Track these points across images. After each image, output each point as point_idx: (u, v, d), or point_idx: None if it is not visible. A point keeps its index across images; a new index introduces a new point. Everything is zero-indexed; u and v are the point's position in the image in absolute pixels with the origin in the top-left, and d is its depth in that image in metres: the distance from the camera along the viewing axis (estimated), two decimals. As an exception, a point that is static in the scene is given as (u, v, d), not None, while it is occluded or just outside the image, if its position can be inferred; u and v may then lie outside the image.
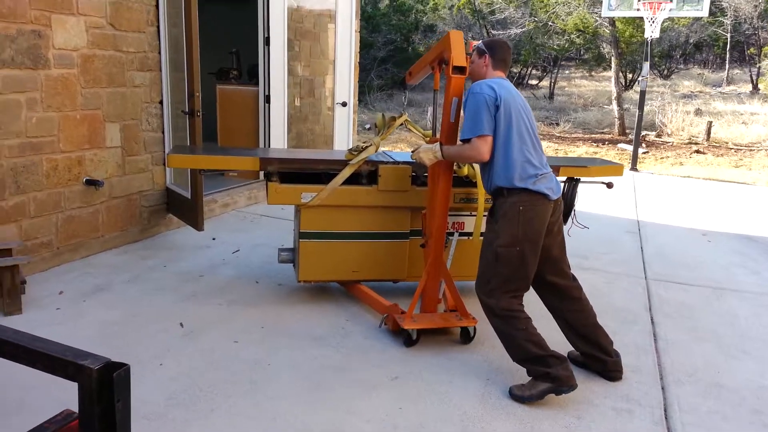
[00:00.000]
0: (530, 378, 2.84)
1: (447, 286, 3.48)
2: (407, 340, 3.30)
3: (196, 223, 4.62)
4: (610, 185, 3.92)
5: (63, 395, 2.56)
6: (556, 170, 3.78)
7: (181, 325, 3.44)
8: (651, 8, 9.26)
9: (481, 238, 3.29)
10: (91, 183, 4.41)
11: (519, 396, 2.76)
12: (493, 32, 19.79)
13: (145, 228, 5.02)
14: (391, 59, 19.58)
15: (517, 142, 2.83)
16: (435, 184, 3.31)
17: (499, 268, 2.84)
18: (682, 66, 29.76)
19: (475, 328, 3.38)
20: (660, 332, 3.67)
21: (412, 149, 3.44)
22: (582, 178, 3.92)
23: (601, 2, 13.76)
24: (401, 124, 3.91)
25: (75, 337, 3.21)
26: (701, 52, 30.85)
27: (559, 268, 3.03)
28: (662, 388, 2.99)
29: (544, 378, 2.76)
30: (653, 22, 9.39)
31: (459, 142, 3.03)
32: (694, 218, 6.79)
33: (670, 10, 9.29)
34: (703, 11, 9.36)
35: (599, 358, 3.03)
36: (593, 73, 27.55)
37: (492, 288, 2.86)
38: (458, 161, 3.35)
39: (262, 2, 6.28)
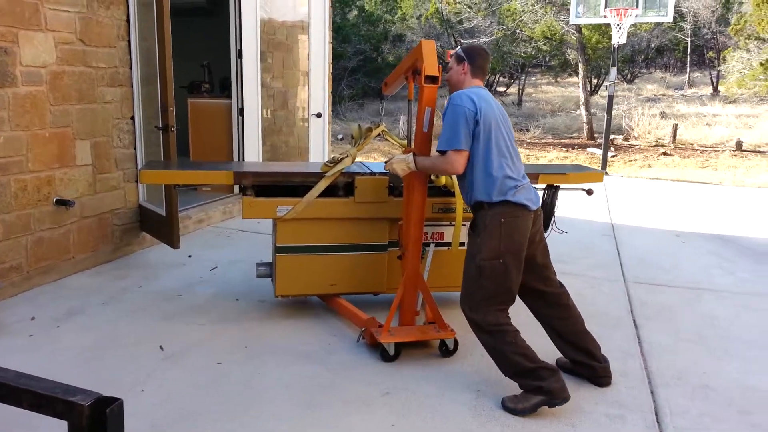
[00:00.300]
0: (522, 390, 2.81)
1: (424, 297, 3.40)
2: (384, 354, 3.22)
3: (172, 241, 4.51)
4: (590, 192, 3.95)
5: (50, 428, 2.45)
6: (536, 178, 3.77)
7: (161, 348, 3.33)
8: (618, 15, 9.45)
9: (461, 248, 3.30)
10: (62, 203, 4.28)
11: (512, 408, 2.74)
12: (462, 41, 19.99)
13: (118, 247, 4.89)
14: (362, 69, 19.62)
15: (497, 157, 2.81)
16: (410, 195, 3.27)
17: (483, 282, 2.80)
18: (644, 70, 30.48)
19: (456, 341, 3.32)
20: (644, 335, 3.70)
21: (385, 160, 3.40)
22: (562, 186, 3.91)
23: (568, 10, 14.04)
24: (378, 135, 3.88)
25: (51, 364, 3.09)
26: (662, 56, 31.66)
27: (545, 276, 3.03)
28: (651, 392, 3.00)
29: (536, 391, 2.73)
30: (620, 28, 9.58)
31: (435, 152, 3.01)
32: (667, 220, 6.90)
33: (636, 16, 9.48)
34: (668, 17, 9.58)
35: (588, 365, 3.03)
36: (559, 80, 28.05)
37: (477, 303, 2.83)
38: (432, 173, 3.31)
39: (234, 15, 6.21)
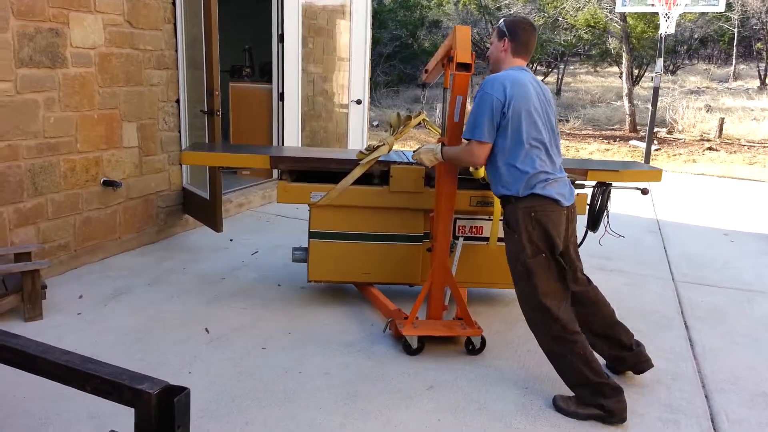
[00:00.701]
0: (576, 397, 2.70)
1: (453, 292, 3.29)
2: (406, 347, 3.17)
3: (215, 224, 4.53)
4: (645, 191, 3.71)
5: (93, 408, 2.49)
6: (584, 174, 3.63)
7: (207, 330, 3.35)
8: (666, 3, 9.14)
9: (500, 244, 3.19)
10: (109, 184, 4.32)
11: (564, 409, 2.66)
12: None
13: (162, 229, 4.93)
14: (398, 55, 19.48)
15: (527, 149, 2.63)
16: (439, 186, 3.17)
17: (535, 281, 2.66)
18: (687, 62, 29.61)
19: (483, 339, 3.21)
20: (695, 337, 3.58)
21: (414, 149, 3.31)
22: (614, 183, 3.70)
23: (612, -2, 13.66)
24: (419, 123, 3.77)
25: (99, 344, 3.13)
26: (706, 47, 30.69)
27: (574, 274, 2.84)
28: (706, 397, 2.90)
29: (596, 407, 2.61)
30: (668, 17, 9.27)
31: (463, 141, 2.88)
32: (713, 217, 6.69)
33: (686, 5, 9.16)
34: (719, 6, 9.24)
35: (619, 357, 2.93)
36: (598, 69, 27.42)
37: (536, 305, 2.68)
38: (455, 163, 3.06)
39: (277, -1, 6.18)
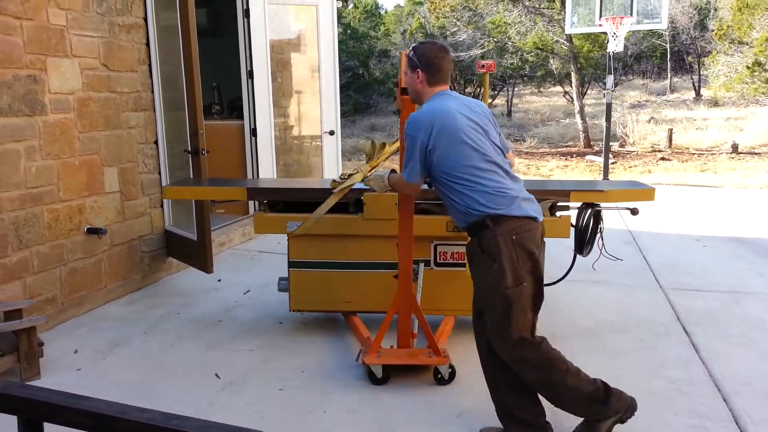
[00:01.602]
0: (588, 420, 2.53)
1: (418, 319, 3.19)
2: (371, 376, 3.11)
3: (206, 265, 4.41)
4: (635, 212, 3.59)
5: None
6: (567, 195, 3.50)
7: (218, 376, 3.24)
8: (614, 23, 9.56)
9: None
10: (93, 231, 4.17)
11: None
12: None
13: (147, 274, 4.78)
14: (351, 86, 19.68)
15: (481, 171, 2.44)
16: (399, 215, 3.11)
17: (516, 314, 2.40)
18: (623, 78, 30.97)
19: (452, 368, 3.12)
20: (697, 342, 3.67)
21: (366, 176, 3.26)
22: (603, 204, 3.53)
23: (558, 21, 14.22)
24: (396, 151, 3.60)
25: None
26: (640, 63, 32.20)
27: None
28: (724, 400, 2.97)
29: (605, 415, 2.49)
30: (616, 36, 9.68)
31: None
32: (682, 225, 6.93)
33: (632, 24, 9.60)
34: (663, 24, 9.72)
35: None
36: (542, 90, 28.37)
37: (518, 339, 2.43)
38: (398, 191, 3.01)
39: (244, 35, 6.17)
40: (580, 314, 4.14)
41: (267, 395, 3.03)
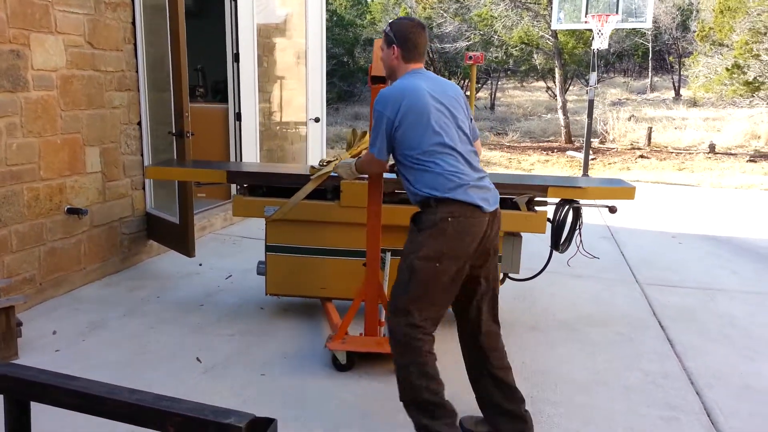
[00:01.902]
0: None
1: (384, 308, 3.17)
2: (335, 362, 3.16)
3: (188, 249, 4.38)
4: (613, 210, 3.62)
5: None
6: (545, 190, 3.50)
7: (199, 360, 3.23)
8: (599, 20, 9.64)
9: None
10: (74, 212, 4.11)
11: None
12: (434, 46, 20.13)
13: (126, 257, 4.73)
14: (336, 73, 19.56)
15: (437, 153, 2.43)
16: (368, 203, 3.12)
17: (414, 287, 2.41)
18: (605, 75, 31.24)
19: None
20: (673, 336, 3.76)
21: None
22: (582, 201, 3.57)
23: (544, 16, 14.29)
24: None
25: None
26: (622, 61, 32.52)
27: (477, 300, 2.55)
28: (697, 393, 3.05)
29: (420, 427, 2.40)
30: (601, 33, 9.77)
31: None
32: (659, 221, 7.06)
33: (617, 22, 9.69)
34: (647, 23, 9.84)
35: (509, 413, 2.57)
36: (525, 84, 28.51)
37: (402, 308, 2.43)
38: (364, 174, 2.99)
39: (231, 18, 6.10)
40: (559, 307, 4.21)
41: (249, 380, 3.04)
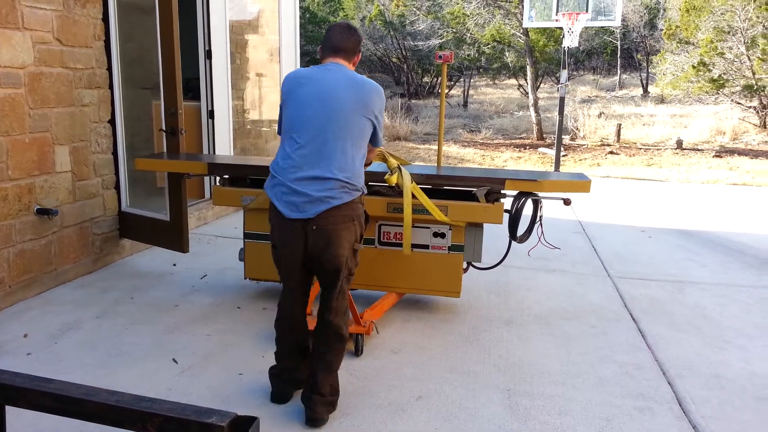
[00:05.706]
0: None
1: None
2: None
3: (181, 245, 4.36)
4: (567, 202, 3.64)
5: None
6: (502, 183, 3.55)
7: (175, 361, 3.20)
8: (570, 19, 9.77)
9: (416, 250, 3.49)
10: (44, 212, 4.03)
11: None
12: (406, 43, 20.16)
13: (98, 257, 4.65)
14: (308, 70, 19.41)
15: (286, 141, 2.64)
16: None
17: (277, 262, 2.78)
18: (574, 73, 31.64)
19: (362, 338, 3.31)
20: (644, 328, 3.84)
21: None
22: (540, 194, 3.65)
23: (516, 14, 14.42)
24: None
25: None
26: (591, 59, 32.99)
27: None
28: (669, 383, 3.12)
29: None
30: (572, 32, 9.90)
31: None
32: (629, 216, 7.20)
33: (587, 20, 9.83)
34: (616, 21, 9.99)
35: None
36: (497, 82, 28.72)
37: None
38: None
39: (202, 14, 6.03)
40: (534, 301, 4.26)
41: (226, 381, 3.02)
